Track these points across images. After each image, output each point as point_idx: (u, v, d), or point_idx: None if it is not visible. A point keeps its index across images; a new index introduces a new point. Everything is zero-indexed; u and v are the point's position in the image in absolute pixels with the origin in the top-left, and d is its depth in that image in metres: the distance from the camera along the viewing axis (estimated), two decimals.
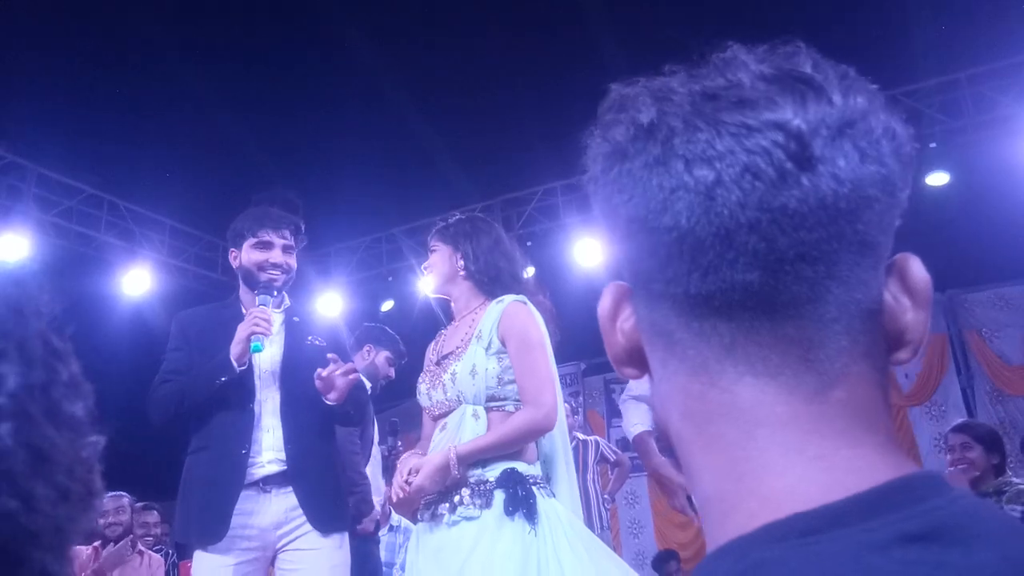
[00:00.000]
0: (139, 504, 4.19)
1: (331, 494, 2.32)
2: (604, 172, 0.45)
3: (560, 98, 4.99)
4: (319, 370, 2.23)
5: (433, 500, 1.92)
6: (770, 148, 0.39)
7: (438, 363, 2.07)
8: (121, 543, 3.68)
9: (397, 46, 5.23)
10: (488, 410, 1.94)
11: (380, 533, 3.61)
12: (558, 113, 5.00)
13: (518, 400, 1.95)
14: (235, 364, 2.21)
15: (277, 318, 2.38)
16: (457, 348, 2.02)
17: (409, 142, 5.79)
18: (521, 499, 1.85)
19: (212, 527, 2.17)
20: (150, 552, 3.78)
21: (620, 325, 0.47)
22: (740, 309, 0.40)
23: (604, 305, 0.48)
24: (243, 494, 2.21)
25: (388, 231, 6.90)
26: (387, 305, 7.20)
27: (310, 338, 2.38)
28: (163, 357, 2.39)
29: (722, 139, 0.40)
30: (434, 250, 2.15)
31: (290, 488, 2.23)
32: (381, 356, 3.48)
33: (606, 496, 4.78)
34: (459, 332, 2.07)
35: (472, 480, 1.89)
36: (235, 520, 2.19)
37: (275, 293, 2.34)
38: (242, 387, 2.26)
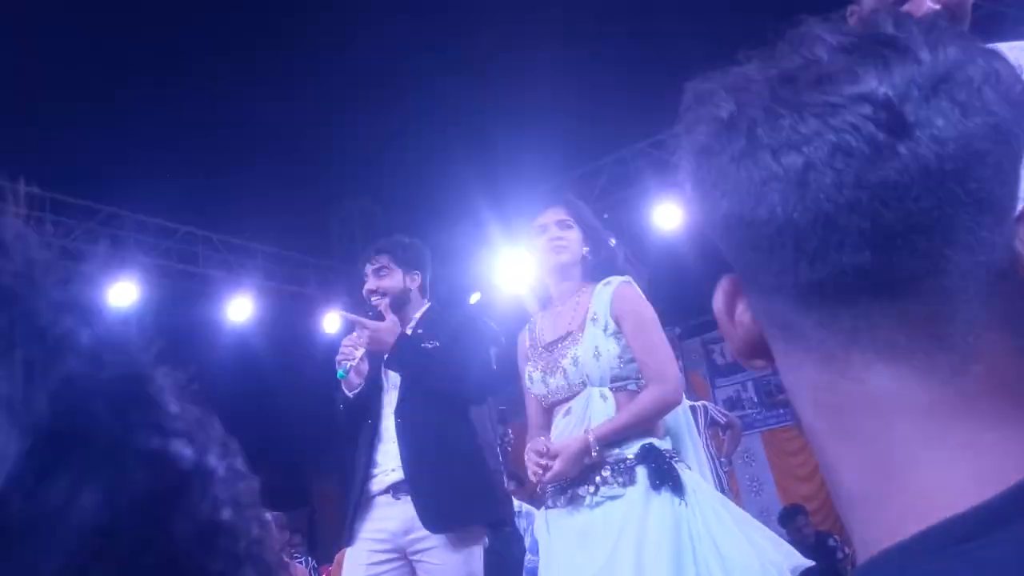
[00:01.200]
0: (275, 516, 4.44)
1: (450, 496, 2.37)
2: (695, 171, 0.44)
3: (628, 64, 4.91)
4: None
5: (567, 484, 1.90)
6: (858, 123, 0.37)
7: (548, 350, 2.04)
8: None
9: (459, 35, 5.24)
10: (613, 391, 1.93)
11: None
12: (628, 77, 4.93)
13: (639, 379, 1.95)
14: (345, 391, 2.44)
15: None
16: (569, 333, 2.01)
17: (474, 127, 5.77)
18: (665, 472, 1.84)
19: (345, 534, 2.43)
20: (293, 562, 3.99)
21: (738, 319, 0.46)
22: (857, 293, 0.38)
23: (718, 301, 0.47)
24: (377, 500, 2.41)
25: (474, 217, 6.83)
26: (475, 297, 7.29)
27: (424, 343, 2.48)
28: None
29: (806, 122, 0.38)
30: (570, 227, 2.10)
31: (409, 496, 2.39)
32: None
33: (723, 460, 4.72)
34: (563, 317, 2.06)
35: (611, 459, 1.87)
36: (369, 525, 2.40)
37: (373, 312, 2.48)
38: (368, 404, 2.48)
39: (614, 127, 5.88)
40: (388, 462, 2.40)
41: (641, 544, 1.75)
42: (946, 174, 0.37)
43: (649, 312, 1.98)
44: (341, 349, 2.43)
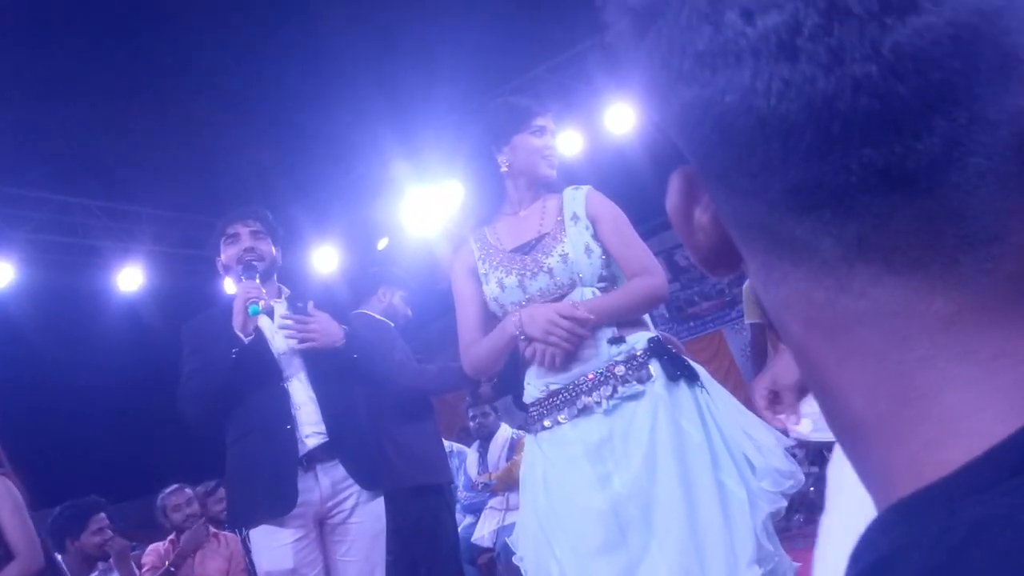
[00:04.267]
0: (200, 488, 4.30)
1: (374, 455, 2.51)
2: (635, 42, 0.34)
3: None
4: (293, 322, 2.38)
5: (574, 394, 1.78)
6: None
7: (521, 252, 1.91)
8: (196, 526, 3.81)
9: None
10: (602, 291, 1.86)
11: None
12: None
13: (620, 279, 1.90)
14: (241, 335, 2.32)
15: (281, 306, 2.49)
16: (543, 235, 1.89)
17: (375, 57, 5.45)
18: (678, 361, 1.78)
19: (279, 501, 2.29)
20: (224, 533, 3.89)
21: (697, 221, 0.37)
22: (861, 192, 0.30)
23: (673, 200, 0.38)
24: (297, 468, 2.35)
25: (380, 156, 6.44)
26: (383, 243, 7.13)
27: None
28: (182, 363, 2.46)
29: None
30: (553, 132, 2.00)
31: (333, 461, 2.36)
32: (397, 296, 3.48)
33: None
34: (529, 222, 1.95)
35: (621, 358, 1.78)
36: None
37: (255, 267, 2.42)
38: (267, 372, 2.37)
39: (543, 32, 5.62)
40: (304, 427, 2.35)
41: (679, 439, 1.69)
42: (977, 28, 0.29)
43: (621, 211, 1.93)
44: (246, 288, 2.34)
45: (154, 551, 3.91)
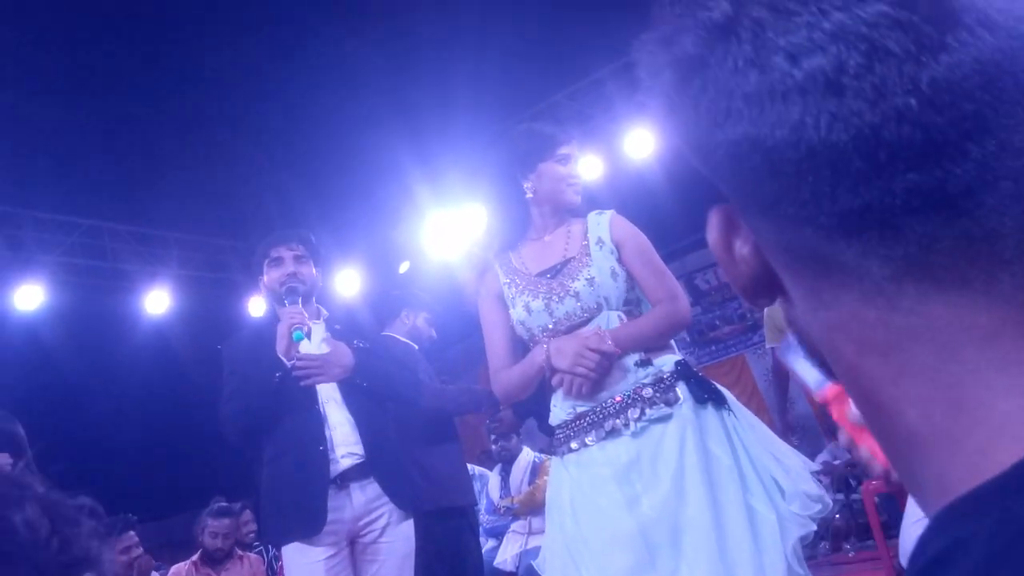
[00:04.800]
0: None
1: (409, 475, 2.55)
2: (679, 90, 0.37)
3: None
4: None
5: (602, 416, 1.79)
6: (895, 14, 0.32)
7: (548, 276, 1.91)
8: None
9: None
10: (627, 314, 1.87)
11: None
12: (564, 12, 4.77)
13: (642, 304, 1.91)
14: (284, 360, 2.35)
15: (319, 327, 2.51)
16: (568, 259, 1.90)
17: (395, 81, 5.51)
18: (705, 384, 1.79)
19: (310, 521, 2.32)
20: (248, 554, 3.88)
21: (738, 254, 0.41)
22: (906, 215, 0.33)
23: (713, 236, 0.41)
24: (331, 487, 2.37)
25: (401, 181, 6.45)
26: (404, 266, 7.19)
27: (356, 341, 2.51)
28: (223, 383, 2.50)
29: (829, 17, 0.32)
30: (577, 159, 2.03)
31: (367, 480, 2.39)
32: (420, 317, 3.50)
33: None
34: (554, 247, 1.96)
35: (648, 380, 1.79)
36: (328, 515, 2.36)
37: (298, 291, 2.46)
38: (304, 393, 2.39)
39: (562, 60, 5.68)
40: (338, 448, 2.38)
41: (708, 462, 1.69)
42: (999, 65, 0.32)
43: (645, 236, 1.94)
44: (291, 314, 2.37)
45: (176, 574, 3.92)
